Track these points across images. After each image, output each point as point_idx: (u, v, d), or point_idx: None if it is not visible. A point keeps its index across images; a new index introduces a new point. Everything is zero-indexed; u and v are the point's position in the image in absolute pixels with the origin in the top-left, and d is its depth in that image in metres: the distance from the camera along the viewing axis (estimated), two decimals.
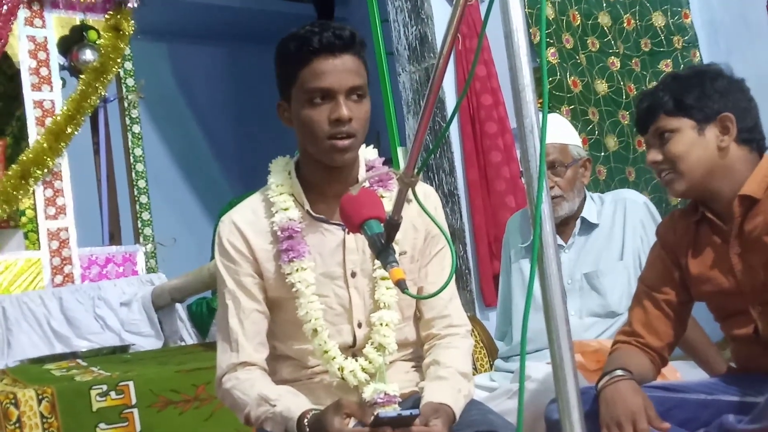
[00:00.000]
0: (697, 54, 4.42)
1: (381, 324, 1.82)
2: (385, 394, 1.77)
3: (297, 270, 1.80)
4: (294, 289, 1.81)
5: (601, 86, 4.13)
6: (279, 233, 1.82)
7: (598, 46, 4.19)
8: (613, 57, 4.23)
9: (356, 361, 1.82)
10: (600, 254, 2.70)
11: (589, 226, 2.73)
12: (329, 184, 1.84)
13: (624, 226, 2.71)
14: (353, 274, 1.84)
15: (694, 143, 1.94)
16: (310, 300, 1.81)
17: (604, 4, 4.27)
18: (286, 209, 1.83)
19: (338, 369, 1.81)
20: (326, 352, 1.81)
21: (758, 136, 1.97)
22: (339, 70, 1.75)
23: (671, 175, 1.97)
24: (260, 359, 1.85)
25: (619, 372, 1.88)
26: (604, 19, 4.25)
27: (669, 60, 4.37)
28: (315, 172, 1.85)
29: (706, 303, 2.08)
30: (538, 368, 2.30)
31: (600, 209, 2.77)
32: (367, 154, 1.93)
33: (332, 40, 1.74)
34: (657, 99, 1.98)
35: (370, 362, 1.82)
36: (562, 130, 2.79)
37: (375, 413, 1.63)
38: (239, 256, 1.85)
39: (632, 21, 4.34)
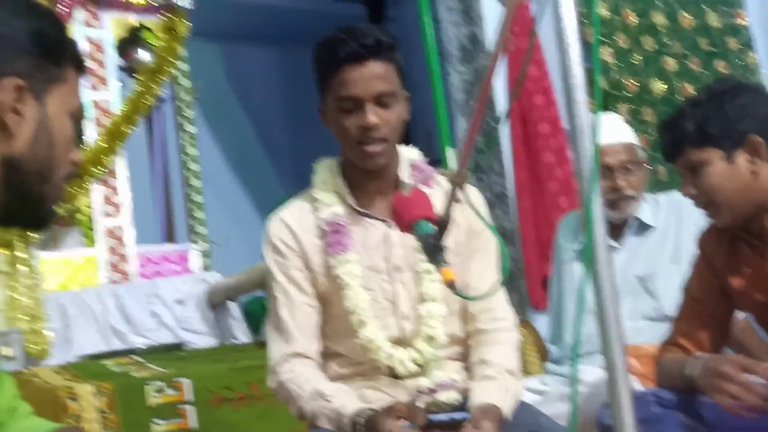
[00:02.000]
0: (754, 57, 4.33)
1: (429, 316, 1.84)
2: (448, 380, 1.78)
3: (343, 263, 1.84)
4: (340, 281, 1.84)
5: (658, 86, 4.08)
6: (325, 227, 1.87)
7: (654, 46, 4.13)
8: (668, 57, 4.16)
9: (406, 351, 1.84)
10: (654, 256, 2.66)
11: (643, 228, 2.70)
12: (370, 182, 1.90)
13: (680, 229, 2.67)
14: (398, 268, 1.87)
15: (726, 173, 1.87)
16: (357, 291, 1.84)
17: (657, 3, 4.21)
18: (331, 205, 1.89)
19: (386, 358, 1.82)
20: (373, 341, 1.82)
21: None
22: (365, 77, 1.79)
23: (711, 209, 1.93)
24: (313, 351, 1.88)
25: (701, 354, 1.87)
26: (659, 18, 4.19)
27: (724, 61, 4.29)
28: (356, 171, 1.90)
29: (753, 317, 2.04)
30: (591, 372, 2.28)
31: (655, 210, 2.73)
32: (410, 153, 1.97)
33: (357, 48, 1.79)
34: (680, 131, 1.91)
35: (419, 353, 1.83)
36: (627, 131, 2.76)
37: (427, 417, 1.63)
38: (288, 250, 1.89)
39: (689, 19, 4.28)
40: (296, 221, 1.91)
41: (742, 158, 1.87)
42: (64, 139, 1.18)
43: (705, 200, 1.93)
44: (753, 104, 1.89)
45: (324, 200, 1.90)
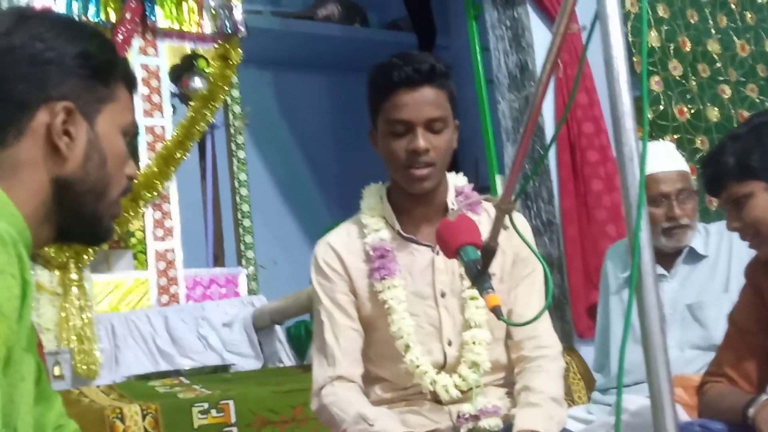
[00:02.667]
0: None
1: (473, 342, 1.84)
2: (490, 406, 1.78)
3: (389, 288, 1.86)
4: (386, 306, 1.86)
5: (713, 113, 4.04)
6: (371, 252, 1.89)
7: (708, 73, 4.11)
8: (723, 84, 4.13)
9: (450, 377, 1.84)
10: (704, 285, 2.63)
11: (695, 257, 2.67)
12: (416, 208, 1.91)
13: (730, 258, 2.64)
14: (443, 294, 1.88)
15: None
16: (402, 316, 1.85)
17: (713, 31, 4.19)
18: (377, 230, 1.91)
19: (431, 383, 1.82)
20: (418, 366, 1.83)
21: None
22: (417, 102, 1.82)
23: (757, 240, 1.92)
24: (357, 375, 1.90)
25: (765, 396, 1.85)
26: (714, 46, 4.17)
27: None
28: (403, 197, 1.92)
29: None
30: (636, 401, 2.25)
31: (706, 240, 2.70)
32: (457, 180, 1.98)
33: (411, 74, 1.81)
34: (721, 165, 1.91)
35: (463, 380, 1.83)
36: (681, 159, 2.75)
37: None
38: (334, 274, 1.92)
39: (746, 47, 4.25)
40: (343, 245, 1.93)
41: None
42: (116, 156, 1.21)
43: (750, 233, 1.92)
44: None
45: (371, 225, 1.91)
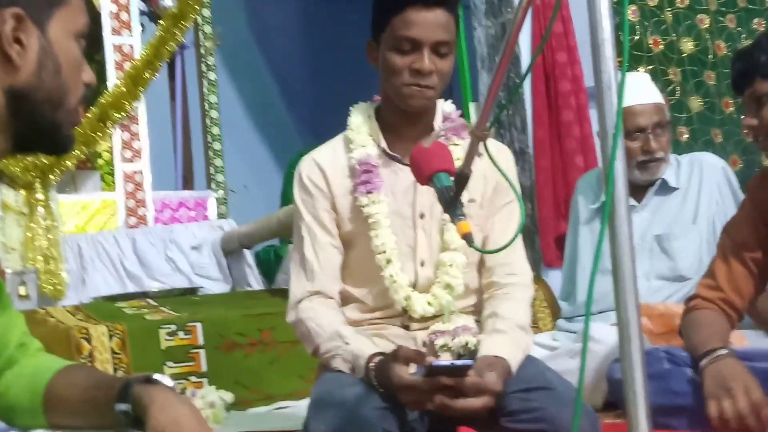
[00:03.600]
0: None
1: (450, 265, 1.85)
2: (452, 328, 1.80)
3: (374, 202, 1.87)
4: (371, 221, 1.86)
5: (687, 45, 4.02)
6: (357, 167, 1.88)
7: (687, 3, 4.06)
8: (702, 14, 4.09)
9: (423, 296, 1.86)
10: (674, 217, 2.65)
11: (666, 188, 2.68)
12: (406, 128, 1.91)
13: (700, 190, 2.66)
14: (422, 215, 1.89)
15: None
16: (386, 231, 1.86)
17: None
18: (364, 146, 1.90)
19: (405, 298, 1.84)
20: (395, 282, 1.84)
21: None
22: (429, 22, 1.80)
23: (766, 141, 1.91)
24: (335, 291, 1.91)
25: (723, 351, 1.87)
26: None
27: (762, 19, 4.23)
28: (393, 115, 1.91)
29: None
30: (602, 330, 2.29)
31: (677, 171, 2.71)
32: (445, 106, 1.97)
33: None
34: (752, 61, 1.91)
35: (437, 299, 1.85)
36: (656, 91, 2.74)
37: (429, 362, 1.64)
38: (317, 191, 1.92)
39: None
40: (328, 162, 1.93)
41: None
42: (72, 63, 1.16)
43: (764, 132, 1.90)
44: None
45: (357, 141, 1.91)
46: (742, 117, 1.97)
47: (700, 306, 2.02)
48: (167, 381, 1.23)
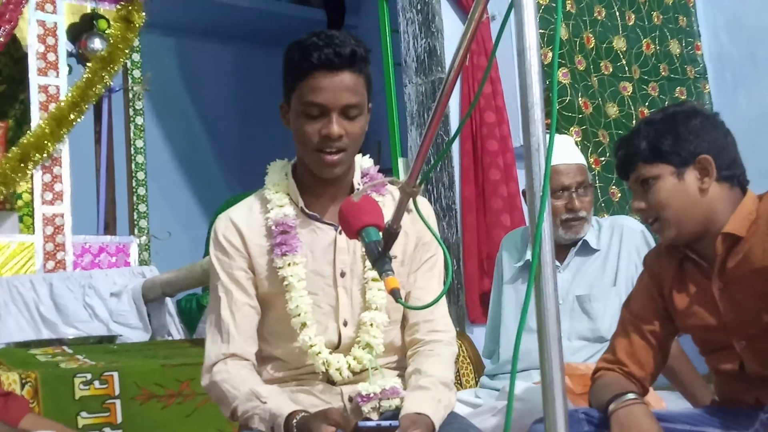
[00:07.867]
0: (707, 86, 4.46)
1: (371, 324, 1.84)
2: (390, 388, 1.78)
3: (289, 264, 1.84)
4: (285, 283, 1.84)
5: (612, 109, 4.15)
6: (273, 228, 1.86)
7: (611, 70, 4.20)
8: (625, 81, 4.24)
9: (344, 357, 1.84)
10: (595, 278, 2.70)
11: (587, 249, 2.73)
12: (321, 187, 1.90)
13: (619, 253, 2.71)
14: (342, 274, 1.87)
15: (675, 189, 1.92)
16: (301, 294, 1.83)
17: (621, 29, 4.28)
18: (281, 206, 1.88)
19: (323, 363, 1.82)
20: (312, 346, 1.82)
21: (738, 171, 1.95)
22: (336, 87, 1.78)
23: (658, 224, 1.97)
24: (251, 353, 1.88)
25: (631, 395, 1.89)
26: (619, 43, 4.27)
27: (684, 88, 4.41)
28: (309, 175, 1.89)
29: (692, 337, 2.08)
30: (524, 387, 2.30)
31: (598, 234, 2.77)
32: (363, 162, 1.97)
33: (332, 57, 1.77)
34: (633, 147, 1.97)
35: (357, 361, 1.83)
36: (578, 153, 2.80)
37: (355, 423, 1.63)
38: (234, 250, 1.88)
39: (651, 45, 4.37)
40: (244, 221, 1.90)
41: (691, 176, 1.93)
42: None
43: (653, 215, 1.97)
44: (705, 127, 1.95)
45: (274, 200, 1.89)
46: (631, 201, 2.04)
47: (603, 373, 2.06)
48: None
